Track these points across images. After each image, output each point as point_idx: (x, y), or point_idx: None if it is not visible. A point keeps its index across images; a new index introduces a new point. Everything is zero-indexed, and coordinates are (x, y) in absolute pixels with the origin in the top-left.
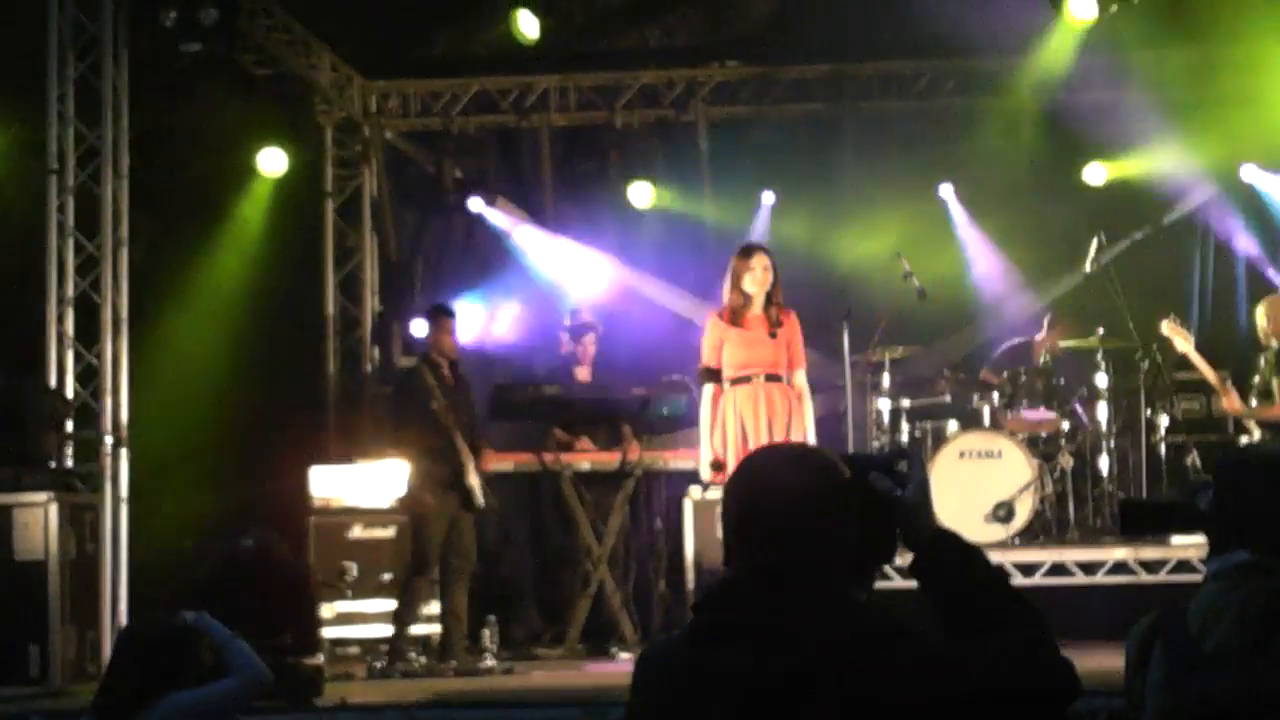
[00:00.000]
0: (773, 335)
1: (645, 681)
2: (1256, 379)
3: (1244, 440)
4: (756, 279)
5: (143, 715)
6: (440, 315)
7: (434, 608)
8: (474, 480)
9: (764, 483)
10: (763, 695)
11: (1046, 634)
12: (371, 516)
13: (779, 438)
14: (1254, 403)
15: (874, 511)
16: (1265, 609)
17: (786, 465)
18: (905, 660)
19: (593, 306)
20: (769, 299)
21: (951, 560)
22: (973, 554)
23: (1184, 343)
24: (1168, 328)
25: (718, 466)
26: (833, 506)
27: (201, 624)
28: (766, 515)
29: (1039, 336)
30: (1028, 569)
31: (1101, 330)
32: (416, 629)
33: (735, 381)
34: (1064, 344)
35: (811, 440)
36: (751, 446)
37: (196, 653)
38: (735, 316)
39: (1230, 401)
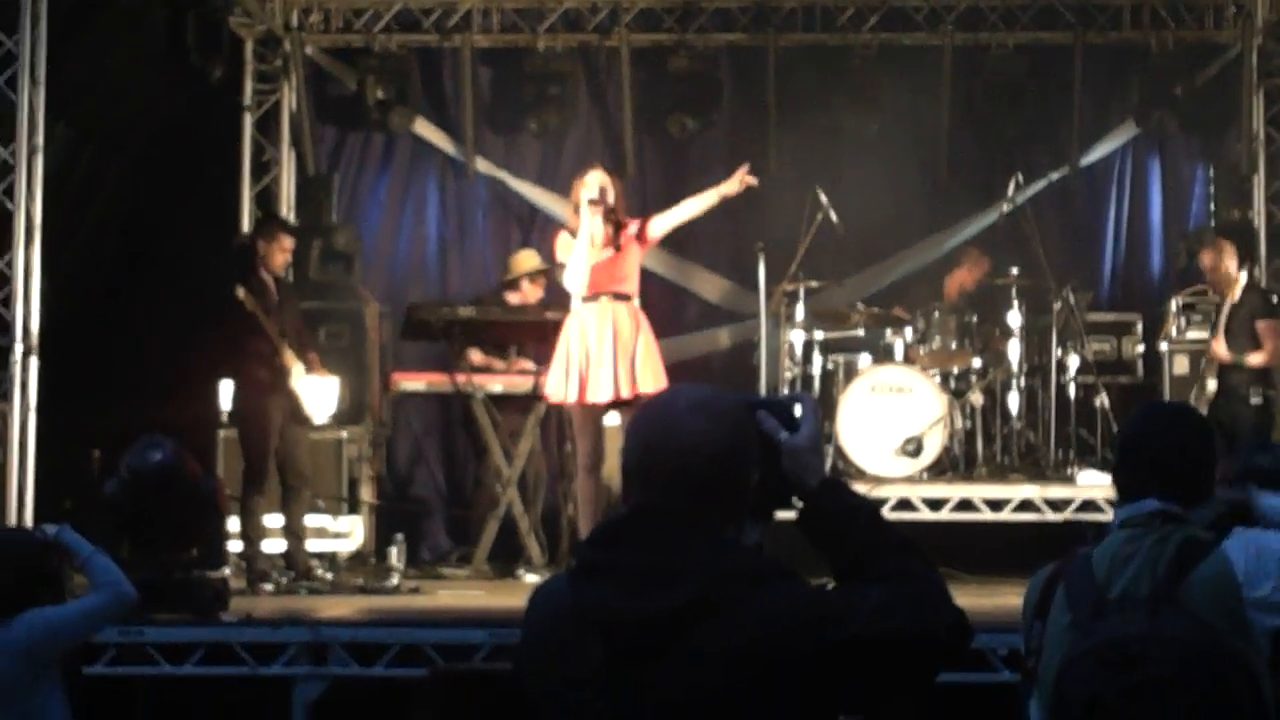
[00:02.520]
0: (616, 248)
1: (532, 617)
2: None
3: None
4: (594, 197)
5: (1, 631)
6: (273, 228)
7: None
8: (299, 387)
9: (664, 426)
10: (638, 633)
11: (937, 583)
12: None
13: (624, 360)
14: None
15: (771, 456)
16: (1175, 556)
17: (689, 410)
18: (784, 602)
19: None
20: (608, 216)
21: (839, 509)
22: (861, 503)
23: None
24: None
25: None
26: (730, 454)
27: (64, 539)
28: (662, 458)
29: (955, 273)
30: (935, 504)
31: (1016, 269)
32: (319, 545)
33: (585, 300)
34: (961, 276)
35: (656, 359)
36: (594, 369)
37: (59, 568)
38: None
39: (1218, 348)
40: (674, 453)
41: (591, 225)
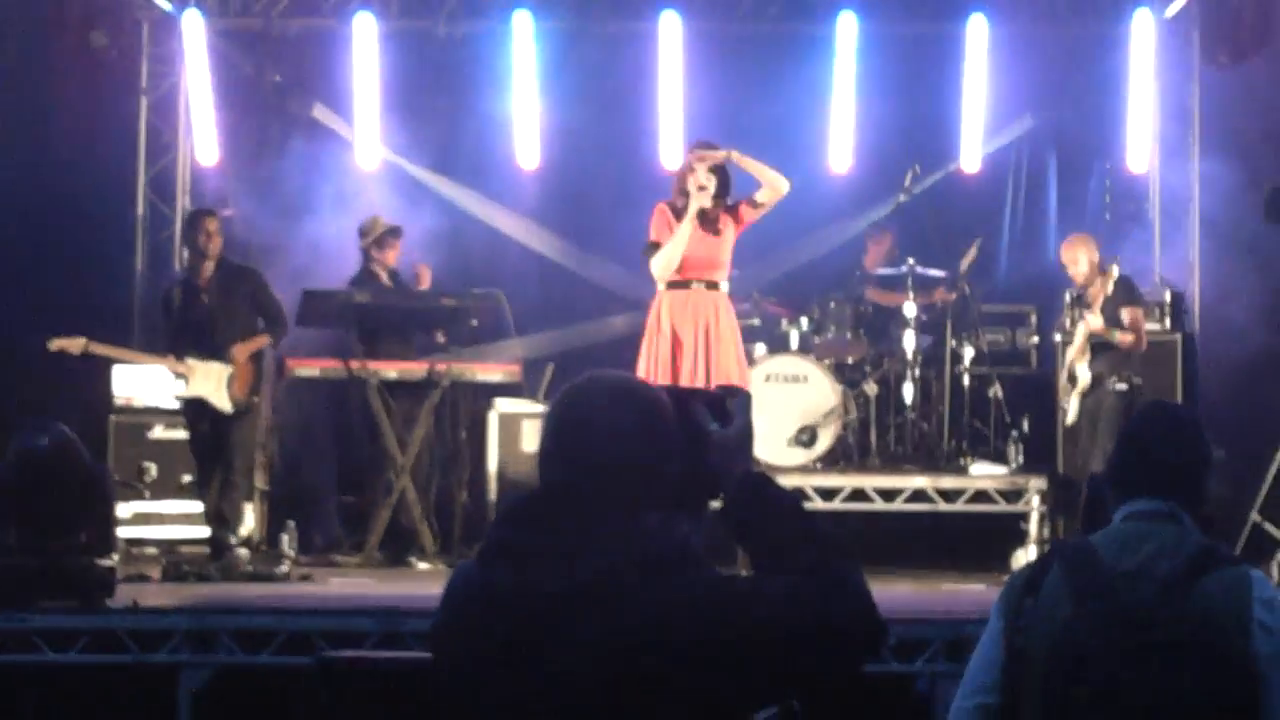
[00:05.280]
0: (715, 234)
1: (446, 597)
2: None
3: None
4: (699, 181)
5: None
6: (197, 218)
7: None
8: (195, 391)
9: (582, 408)
10: (539, 613)
11: (854, 577)
12: (172, 417)
13: (714, 352)
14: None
15: (697, 448)
16: (1194, 556)
17: (608, 394)
18: (688, 588)
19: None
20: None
21: (761, 502)
22: (784, 497)
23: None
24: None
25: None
26: (645, 441)
27: None
28: (576, 440)
29: (868, 257)
30: (828, 494)
31: (912, 260)
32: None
33: (671, 286)
34: (878, 271)
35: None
36: (687, 359)
37: None
38: (677, 212)
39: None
40: (588, 436)
41: (697, 212)
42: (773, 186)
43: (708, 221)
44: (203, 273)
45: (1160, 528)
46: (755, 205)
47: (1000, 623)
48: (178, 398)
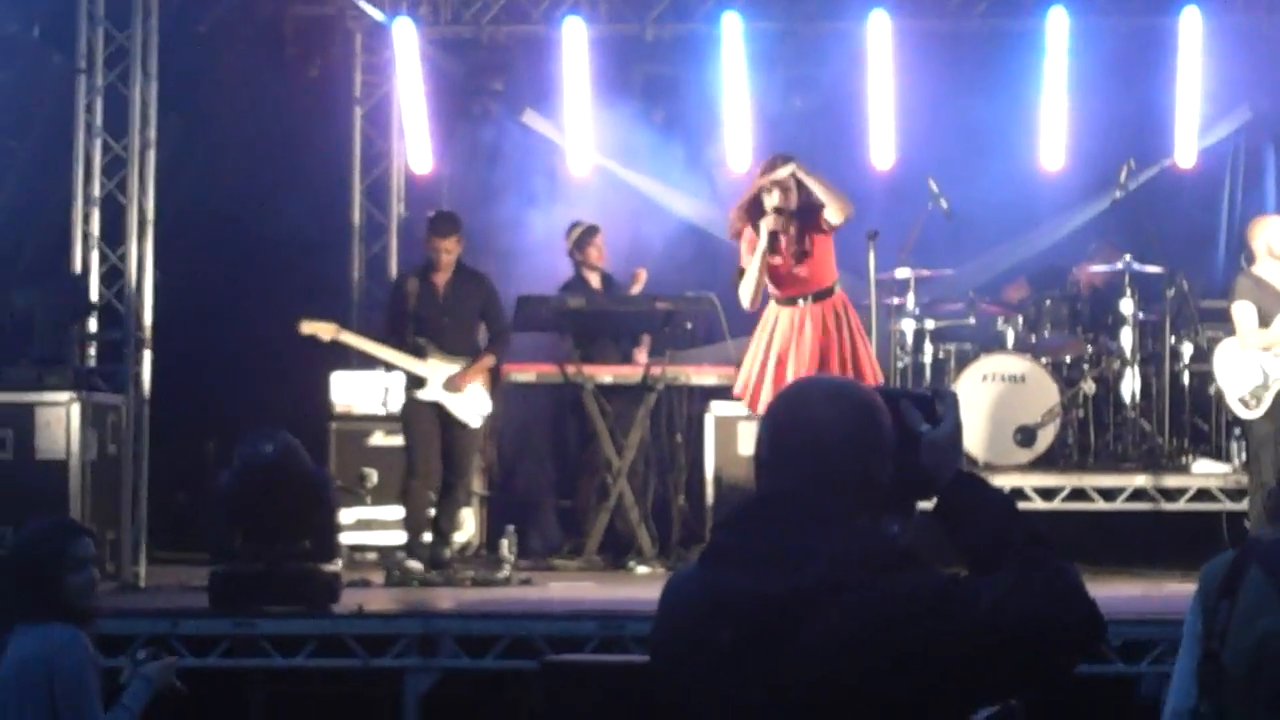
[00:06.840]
0: (806, 253)
1: (665, 604)
2: None
3: None
4: (775, 203)
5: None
6: (430, 226)
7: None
8: (436, 395)
9: (798, 413)
10: (765, 615)
11: (1069, 575)
12: (392, 423)
13: (833, 365)
14: None
15: (910, 448)
16: None
17: (823, 398)
18: (909, 587)
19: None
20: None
21: (973, 503)
22: (995, 497)
23: None
24: None
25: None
26: (862, 443)
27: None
28: (794, 445)
29: (1084, 265)
30: (1047, 493)
31: (1129, 257)
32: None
33: (781, 302)
34: (1092, 269)
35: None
36: (790, 377)
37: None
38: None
39: None
40: (806, 439)
41: (769, 237)
42: (835, 209)
43: (794, 243)
44: (440, 272)
45: None
46: (829, 226)
47: (1198, 625)
48: (413, 396)
